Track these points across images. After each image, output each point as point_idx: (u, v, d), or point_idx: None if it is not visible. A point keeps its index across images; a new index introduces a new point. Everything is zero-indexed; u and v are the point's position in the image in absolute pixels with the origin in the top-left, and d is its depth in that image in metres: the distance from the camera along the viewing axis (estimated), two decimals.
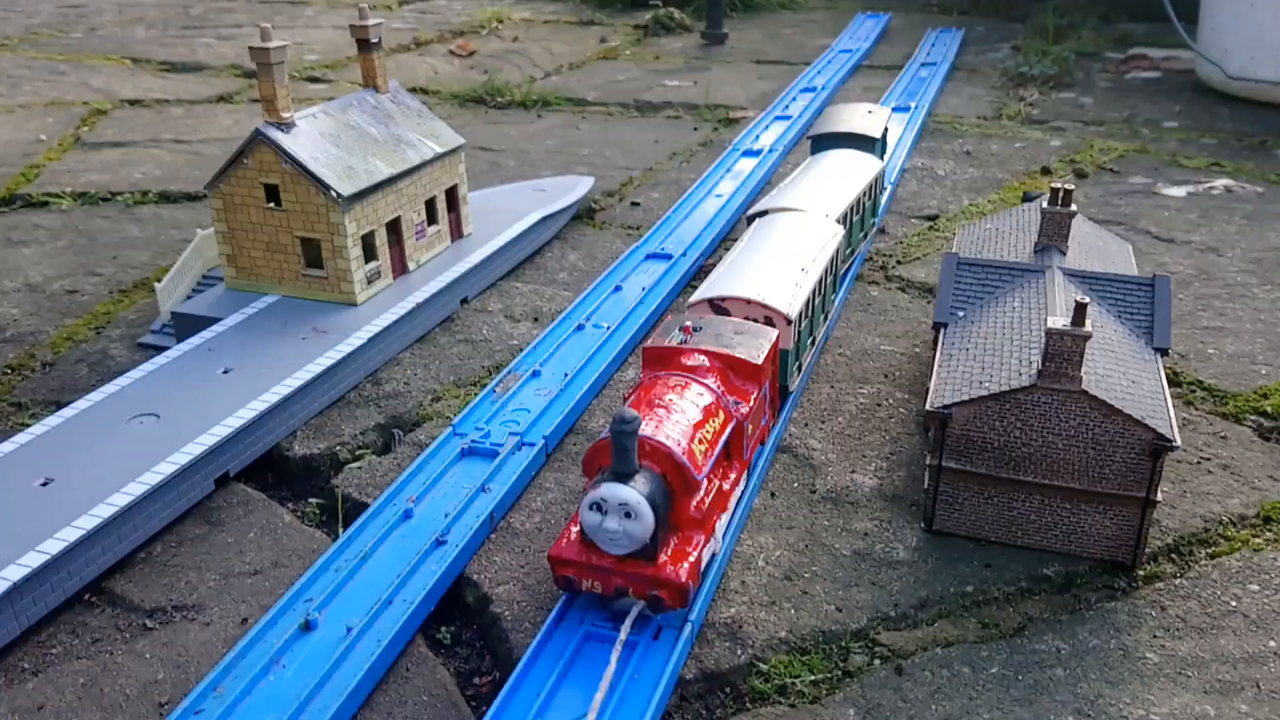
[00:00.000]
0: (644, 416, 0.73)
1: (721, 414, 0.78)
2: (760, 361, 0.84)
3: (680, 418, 0.75)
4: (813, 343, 1.08)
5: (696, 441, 0.74)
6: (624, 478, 0.69)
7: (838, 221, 1.16)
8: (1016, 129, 2.02)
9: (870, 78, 2.45)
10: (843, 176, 1.28)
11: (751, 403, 0.83)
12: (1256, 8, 2.06)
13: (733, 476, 0.82)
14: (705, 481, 0.74)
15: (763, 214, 1.16)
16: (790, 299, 0.96)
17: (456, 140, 1.34)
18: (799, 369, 1.02)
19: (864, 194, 1.28)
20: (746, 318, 0.93)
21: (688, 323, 0.88)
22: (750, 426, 0.84)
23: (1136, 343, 0.89)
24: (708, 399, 0.78)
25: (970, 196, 1.66)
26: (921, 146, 1.92)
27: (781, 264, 1.02)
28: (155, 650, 0.76)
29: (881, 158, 1.47)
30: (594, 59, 2.71)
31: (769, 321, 0.93)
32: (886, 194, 1.59)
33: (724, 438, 0.77)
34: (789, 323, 0.94)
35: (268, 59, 1.11)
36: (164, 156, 1.87)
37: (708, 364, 0.82)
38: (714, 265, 1.09)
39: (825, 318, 1.14)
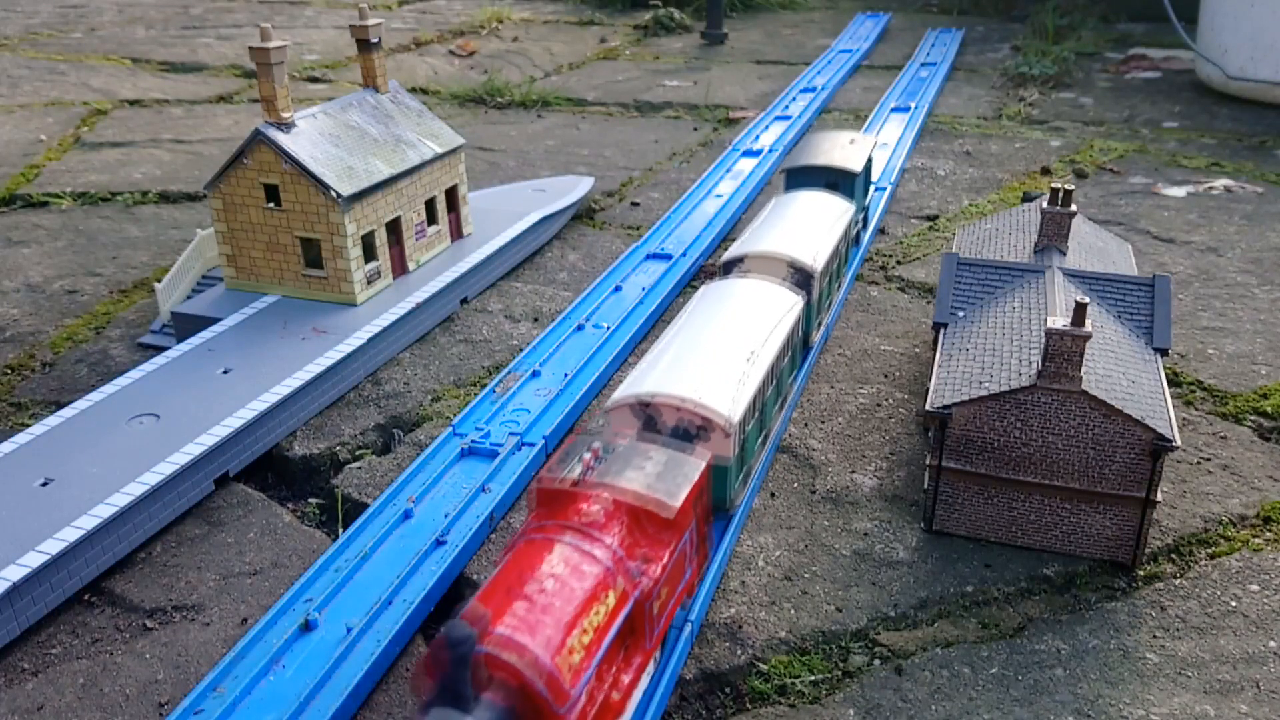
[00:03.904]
0: (504, 606, 0.55)
1: (614, 594, 0.59)
2: (676, 513, 0.65)
3: (553, 607, 0.56)
4: (763, 442, 0.91)
5: (568, 651, 0.54)
6: (457, 708, 0.51)
7: (810, 280, 1.02)
8: (1016, 129, 2.02)
9: (870, 78, 2.45)
10: (810, 229, 1.10)
11: (665, 562, 0.64)
12: (1256, 8, 2.06)
13: (630, 673, 0.62)
14: (581, 699, 0.56)
15: (738, 261, 1.03)
16: (732, 399, 0.80)
17: (456, 140, 1.34)
18: (744, 478, 0.86)
19: (831, 257, 1.09)
20: (678, 424, 0.78)
21: (595, 444, 0.70)
22: (658, 603, 0.64)
23: (1136, 343, 0.89)
24: (596, 573, 0.59)
25: (970, 196, 1.66)
26: (921, 146, 1.92)
27: (725, 349, 0.85)
28: (155, 650, 0.76)
29: (865, 192, 1.35)
30: (594, 59, 2.71)
31: (705, 428, 0.78)
32: (870, 230, 1.45)
33: (617, 623, 0.59)
34: (727, 435, 0.78)
35: (268, 59, 1.11)
36: (164, 156, 1.87)
37: (607, 513, 0.63)
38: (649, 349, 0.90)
39: (781, 405, 0.97)
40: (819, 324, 1.10)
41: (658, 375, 0.82)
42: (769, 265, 1.01)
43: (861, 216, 1.33)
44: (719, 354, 0.84)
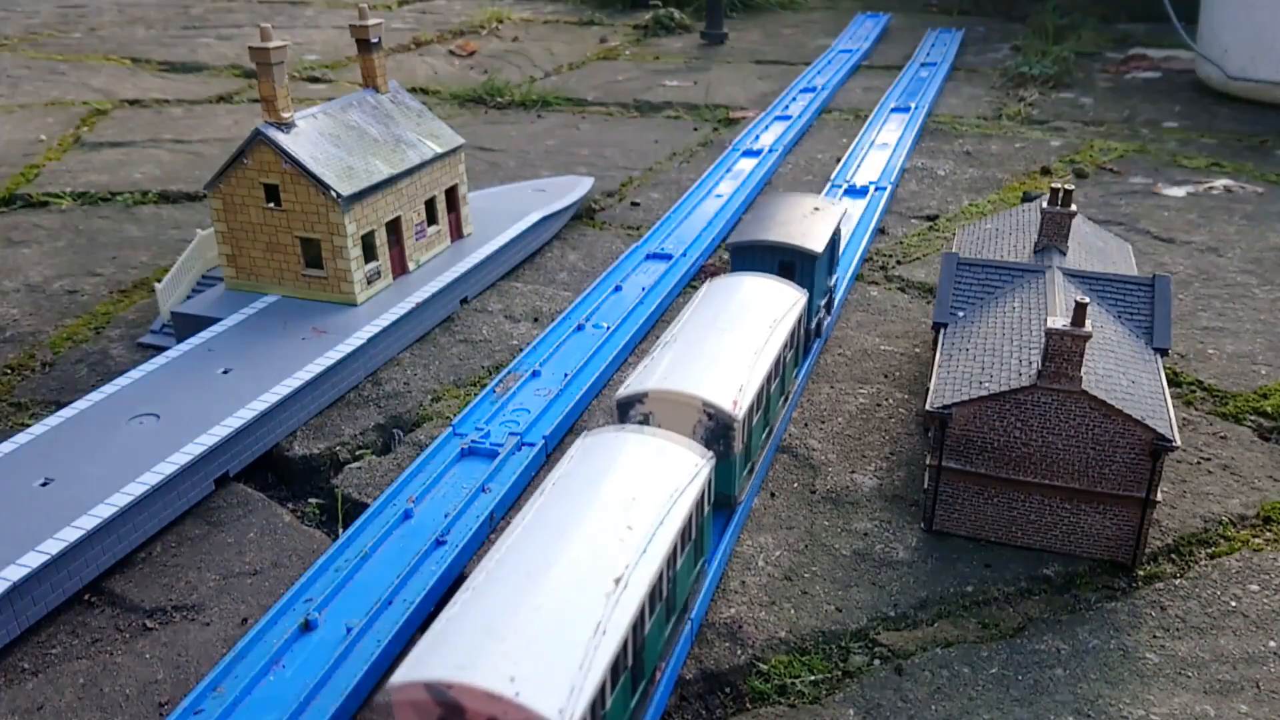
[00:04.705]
0: None
1: None
2: None
3: None
4: (643, 696, 0.64)
5: None
6: None
7: (729, 431, 0.78)
8: (1016, 129, 2.02)
9: (870, 78, 2.45)
10: (740, 346, 0.86)
11: None
12: (1256, 8, 2.06)
13: None
14: None
15: (637, 400, 0.80)
16: (573, 685, 0.52)
17: (456, 140, 1.34)
18: None
19: (767, 379, 0.86)
20: None
21: None
22: None
23: (1136, 343, 0.89)
24: None
25: (970, 196, 1.66)
26: (921, 146, 1.92)
27: (582, 577, 0.58)
28: (155, 650, 0.76)
29: (830, 271, 1.13)
30: (594, 59, 2.71)
31: None
32: (833, 313, 1.20)
33: None
34: None
35: (268, 59, 1.11)
36: (164, 156, 1.87)
37: None
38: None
39: (678, 618, 0.70)
40: (749, 470, 0.85)
41: (471, 637, 0.53)
42: (676, 410, 0.79)
43: (826, 299, 1.13)
44: (570, 586, 0.57)
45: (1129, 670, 0.73)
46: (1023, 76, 2.39)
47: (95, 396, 1.00)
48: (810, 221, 1.07)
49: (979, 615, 0.79)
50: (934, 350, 0.97)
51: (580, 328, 1.20)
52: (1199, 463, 0.96)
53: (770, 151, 1.82)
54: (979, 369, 0.85)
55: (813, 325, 1.08)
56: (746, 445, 0.83)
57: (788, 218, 1.07)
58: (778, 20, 3.21)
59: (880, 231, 1.51)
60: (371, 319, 1.15)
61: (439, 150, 1.30)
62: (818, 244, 1.02)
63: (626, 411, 0.80)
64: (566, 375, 1.08)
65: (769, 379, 0.87)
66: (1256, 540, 0.86)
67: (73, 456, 0.90)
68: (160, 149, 1.92)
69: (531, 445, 0.96)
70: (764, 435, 0.90)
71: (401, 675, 0.52)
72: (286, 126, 1.14)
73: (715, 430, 0.79)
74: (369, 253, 1.20)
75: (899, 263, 1.41)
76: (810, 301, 1.02)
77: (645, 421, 0.79)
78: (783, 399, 0.95)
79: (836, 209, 1.11)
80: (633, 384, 0.81)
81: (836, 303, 1.22)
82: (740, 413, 0.79)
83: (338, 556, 0.82)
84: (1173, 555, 0.84)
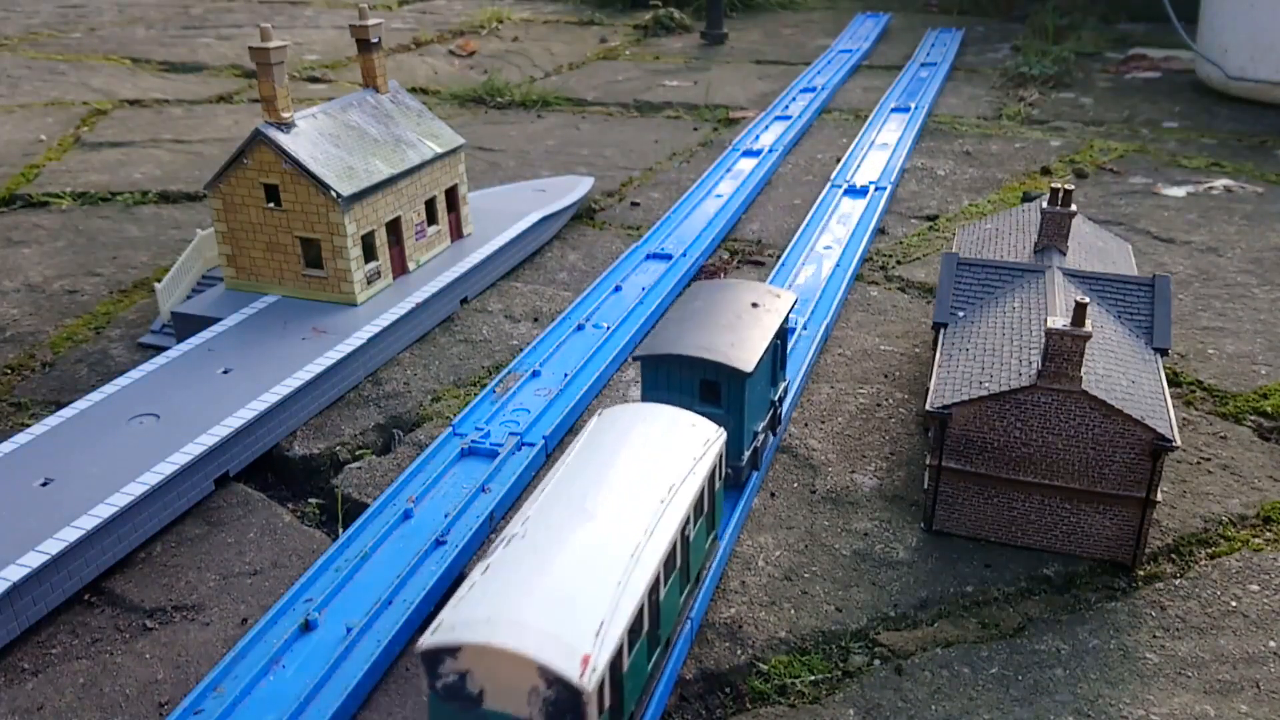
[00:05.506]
0: None
1: None
2: None
3: None
4: None
5: None
6: None
7: (576, 706, 0.52)
8: (1016, 129, 2.02)
9: (870, 78, 2.45)
10: (618, 545, 0.60)
11: None
12: (1256, 8, 2.06)
13: None
14: None
15: (448, 654, 0.54)
16: None
17: (456, 140, 1.34)
18: None
19: (655, 584, 0.62)
20: None
21: None
22: None
23: (1136, 343, 0.89)
24: None
25: (970, 196, 1.66)
26: (921, 146, 1.92)
27: None
28: (155, 650, 0.76)
29: (774, 382, 0.91)
30: (594, 59, 2.71)
31: None
32: (779, 433, 0.98)
33: None
34: None
35: (268, 59, 1.11)
36: (164, 156, 1.87)
37: None
38: None
39: None
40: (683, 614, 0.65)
41: None
42: (502, 670, 0.53)
43: (770, 417, 0.91)
44: None
45: (1129, 670, 0.73)
46: (1023, 76, 2.39)
47: (95, 396, 1.00)
48: (745, 325, 0.84)
49: (979, 615, 0.79)
50: (934, 350, 0.97)
51: (580, 328, 1.20)
52: (1199, 463, 0.96)
53: (770, 151, 1.82)
54: (979, 369, 0.85)
55: (743, 461, 0.84)
56: (614, 708, 0.58)
57: (716, 320, 0.85)
58: (778, 20, 3.21)
59: (880, 231, 1.51)
60: (371, 319, 1.15)
61: (439, 150, 1.30)
62: (749, 358, 0.80)
63: (435, 668, 0.55)
64: (566, 375, 1.08)
65: (655, 586, 0.62)
66: (1256, 540, 0.86)
67: (73, 456, 0.90)
68: (160, 149, 1.92)
69: (531, 445, 0.96)
70: (655, 658, 0.65)
71: None
72: (286, 126, 1.14)
73: (558, 704, 0.53)
74: (369, 253, 1.20)
75: (899, 263, 1.41)
76: (741, 432, 0.82)
77: (460, 682, 0.54)
78: (690, 588, 0.71)
79: (782, 303, 0.89)
80: (446, 623, 0.54)
81: (785, 414, 0.99)
82: (594, 680, 0.52)
83: (338, 556, 0.82)
84: (1173, 555, 0.84)
